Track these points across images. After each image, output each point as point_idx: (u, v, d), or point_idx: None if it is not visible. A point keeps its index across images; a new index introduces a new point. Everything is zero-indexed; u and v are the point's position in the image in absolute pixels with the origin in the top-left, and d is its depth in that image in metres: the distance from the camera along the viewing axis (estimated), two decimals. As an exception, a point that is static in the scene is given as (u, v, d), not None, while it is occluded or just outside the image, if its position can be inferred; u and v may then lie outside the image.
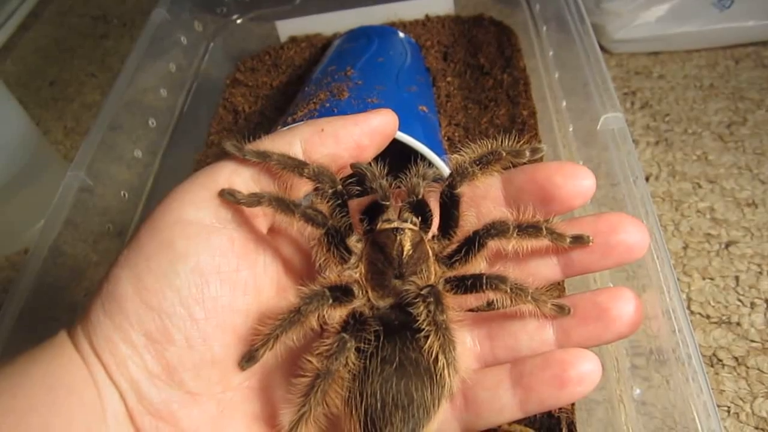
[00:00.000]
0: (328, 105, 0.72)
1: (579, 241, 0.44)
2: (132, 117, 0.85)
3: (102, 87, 1.31)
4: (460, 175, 0.45)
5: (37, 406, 0.37)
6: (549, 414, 0.63)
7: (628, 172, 0.59)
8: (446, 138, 0.88)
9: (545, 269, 0.47)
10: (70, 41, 1.47)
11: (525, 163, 0.47)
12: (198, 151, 0.99)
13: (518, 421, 0.62)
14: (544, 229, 0.44)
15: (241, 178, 0.45)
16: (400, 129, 0.65)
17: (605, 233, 0.44)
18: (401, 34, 0.99)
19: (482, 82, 0.97)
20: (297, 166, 0.44)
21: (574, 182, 0.45)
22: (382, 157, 0.48)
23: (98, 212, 0.75)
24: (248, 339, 0.43)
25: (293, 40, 1.13)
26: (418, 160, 0.48)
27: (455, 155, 0.47)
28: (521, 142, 0.46)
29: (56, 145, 1.18)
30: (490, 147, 0.46)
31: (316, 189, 0.45)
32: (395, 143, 0.64)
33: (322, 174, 0.44)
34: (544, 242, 0.45)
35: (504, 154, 0.46)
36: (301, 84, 0.99)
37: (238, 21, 1.11)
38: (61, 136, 1.22)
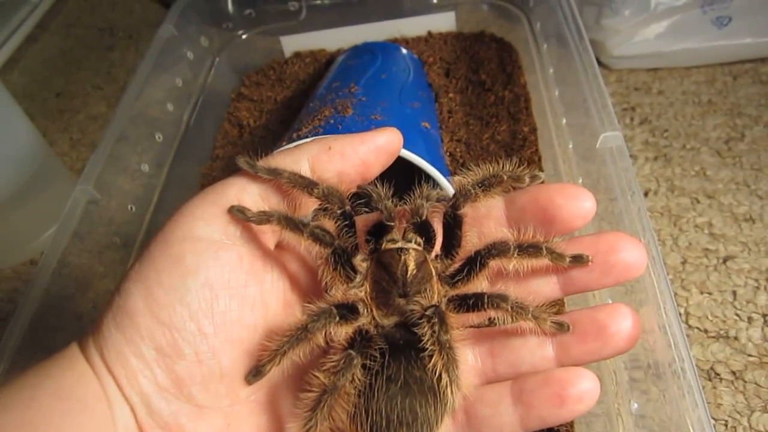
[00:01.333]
0: (332, 122, 0.74)
1: (578, 260, 0.45)
2: (139, 130, 0.86)
3: (108, 99, 1.33)
4: (463, 196, 0.46)
5: (51, 419, 0.38)
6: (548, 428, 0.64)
7: (626, 188, 0.60)
8: (448, 154, 0.89)
9: (545, 287, 0.48)
10: (76, 53, 1.48)
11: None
12: (203, 165, 1.00)
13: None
14: (544, 249, 0.45)
15: (249, 194, 0.46)
16: (404, 146, 0.67)
17: (604, 252, 0.45)
18: (404, 50, 1.00)
19: (484, 98, 0.99)
20: (307, 186, 0.45)
21: (576, 204, 0.46)
22: (386, 174, 0.49)
23: (104, 224, 0.76)
24: (255, 354, 0.44)
25: (297, 55, 1.14)
26: (422, 180, 0.49)
27: (458, 177, 0.48)
28: (522, 168, 0.48)
29: (62, 157, 1.19)
30: (492, 170, 0.47)
31: (325, 209, 0.46)
32: (398, 159, 0.66)
33: (332, 194, 0.45)
34: (544, 261, 0.46)
35: (505, 177, 0.47)
36: (305, 99, 1.01)
37: (244, 36, 1.12)
38: (66, 148, 1.23)
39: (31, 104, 1.33)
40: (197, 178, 0.98)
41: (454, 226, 0.47)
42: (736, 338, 0.75)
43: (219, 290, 0.43)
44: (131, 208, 0.81)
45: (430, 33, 1.11)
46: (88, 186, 0.72)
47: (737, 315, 0.77)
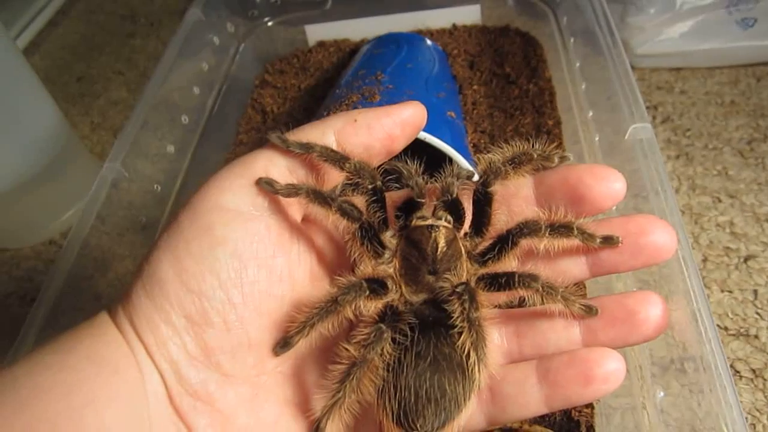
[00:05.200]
0: (360, 107, 0.74)
1: (608, 241, 0.45)
2: (165, 112, 0.86)
3: (128, 84, 1.33)
4: (493, 173, 0.46)
5: (84, 380, 0.39)
6: (569, 416, 0.64)
7: (657, 182, 0.60)
8: (472, 144, 0.89)
9: (574, 268, 0.48)
10: (98, 38, 1.49)
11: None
12: (227, 151, 1.01)
13: (538, 422, 0.63)
14: (575, 228, 0.45)
15: (276, 167, 0.46)
16: (430, 133, 0.67)
17: (634, 234, 0.45)
18: (429, 42, 1.00)
19: (508, 91, 0.99)
20: (339, 160, 0.45)
21: (606, 184, 0.46)
22: (415, 157, 0.49)
23: (125, 206, 0.76)
24: (283, 325, 0.44)
25: (321, 44, 1.15)
26: (451, 164, 0.49)
27: (488, 155, 0.48)
28: (551, 147, 0.48)
29: (82, 140, 1.19)
30: (521, 148, 0.47)
31: (355, 184, 0.46)
32: (426, 148, 0.66)
33: (363, 169, 0.45)
34: (574, 242, 0.46)
35: (535, 156, 0.47)
36: (328, 87, 1.01)
37: (269, 24, 1.13)
38: (87, 131, 1.24)
39: (52, 88, 1.32)
40: (221, 163, 0.98)
41: (484, 203, 0.47)
42: (756, 336, 0.75)
43: (247, 260, 0.43)
44: (157, 188, 0.81)
45: (454, 26, 1.11)
46: (115, 164, 0.72)
47: (758, 314, 0.77)
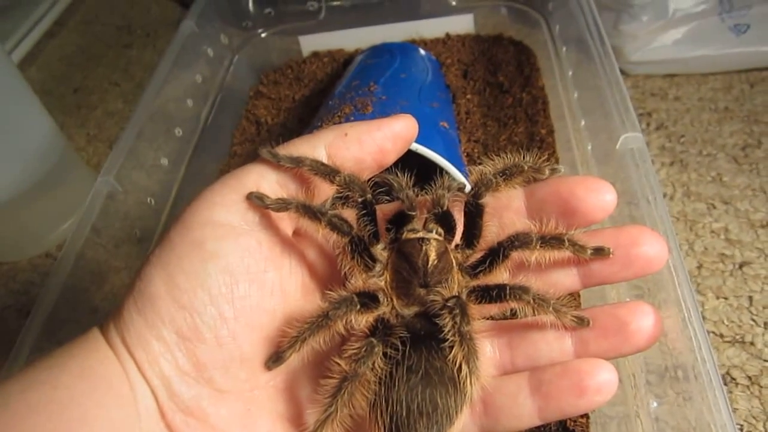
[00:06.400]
0: (353, 119, 0.74)
1: (600, 253, 0.45)
2: (159, 125, 0.86)
3: (125, 95, 1.34)
4: (484, 185, 0.46)
5: (76, 398, 0.39)
6: (564, 426, 0.64)
7: (648, 191, 0.60)
8: (465, 154, 0.89)
9: (565, 279, 0.48)
10: (94, 50, 1.49)
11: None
12: (221, 162, 1.01)
13: (533, 432, 0.63)
14: (566, 240, 0.45)
15: (267, 181, 0.46)
16: (423, 143, 0.67)
17: (626, 246, 0.45)
18: (422, 51, 1.00)
19: (501, 100, 0.99)
20: (329, 173, 0.45)
21: (597, 196, 0.46)
22: (406, 169, 0.49)
23: (121, 218, 0.76)
24: (275, 339, 0.44)
25: (315, 54, 1.15)
26: (443, 174, 0.49)
27: (479, 167, 0.48)
28: (542, 159, 0.48)
29: (78, 152, 1.19)
30: (512, 160, 0.48)
31: (345, 197, 0.47)
32: (418, 158, 0.66)
33: (353, 182, 0.45)
34: (565, 253, 0.46)
35: (526, 168, 0.47)
36: (323, 97, 1.01)
37: (263, 35, 1.13)
38: (83, 143, 1.24)
39: (48, 99, 1.34)
40: (215, 174, 0.98)
41: (475, 215, 0.48)
42: (752, 343, 0.75)
43: (239, 275, 0.44)
44: (150, 201, 0.81)
45: (448, 35, 1.12)
46: (109, 177, 0.72)
47: (753, 320, 0.77)
